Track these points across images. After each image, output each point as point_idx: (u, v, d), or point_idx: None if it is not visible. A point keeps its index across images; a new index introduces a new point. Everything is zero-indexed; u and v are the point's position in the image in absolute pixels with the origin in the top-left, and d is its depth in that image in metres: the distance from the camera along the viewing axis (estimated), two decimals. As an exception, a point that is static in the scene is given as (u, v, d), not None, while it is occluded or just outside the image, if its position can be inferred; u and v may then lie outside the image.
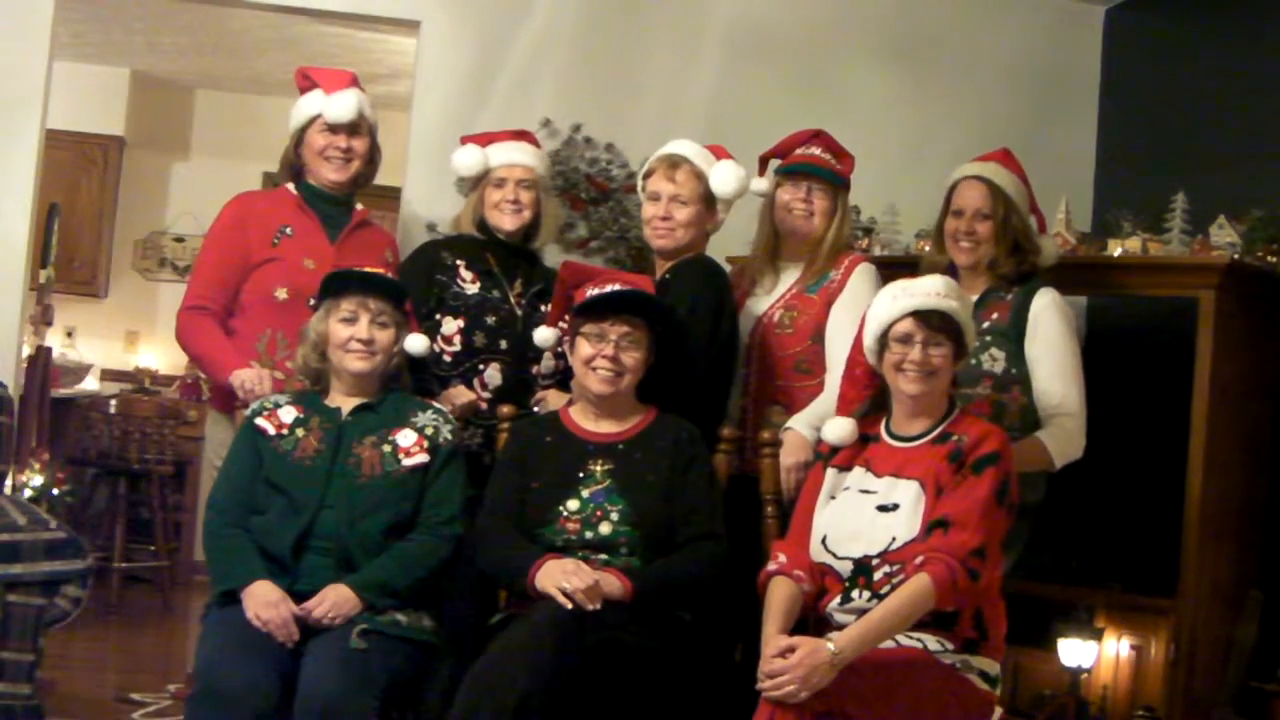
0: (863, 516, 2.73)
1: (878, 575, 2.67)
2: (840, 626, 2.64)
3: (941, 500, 2.66)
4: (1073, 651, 3.59)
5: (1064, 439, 3.20)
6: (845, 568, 2.72)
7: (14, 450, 4.06)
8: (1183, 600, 3.52)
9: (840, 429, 2.88)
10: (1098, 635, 3.63)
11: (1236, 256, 3.60)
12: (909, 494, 2.71)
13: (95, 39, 6.63)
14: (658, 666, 2.72)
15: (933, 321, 2.75)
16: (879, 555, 2.68)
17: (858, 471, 2.82)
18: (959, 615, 2.66)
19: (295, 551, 2.90)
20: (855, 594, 2.69)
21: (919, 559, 2.58)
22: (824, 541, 2.77)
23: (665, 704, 2.69)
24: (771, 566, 2.81)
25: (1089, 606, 3.67)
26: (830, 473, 2.86)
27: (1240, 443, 3.65)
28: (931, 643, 2.65)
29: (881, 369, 2.82)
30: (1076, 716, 3.57)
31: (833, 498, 2.83)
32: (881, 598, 2.62)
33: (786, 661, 2.45)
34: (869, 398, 2.89)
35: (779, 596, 2.74)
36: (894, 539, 2.67)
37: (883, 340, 2.80)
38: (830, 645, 2.46)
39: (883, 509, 2.71)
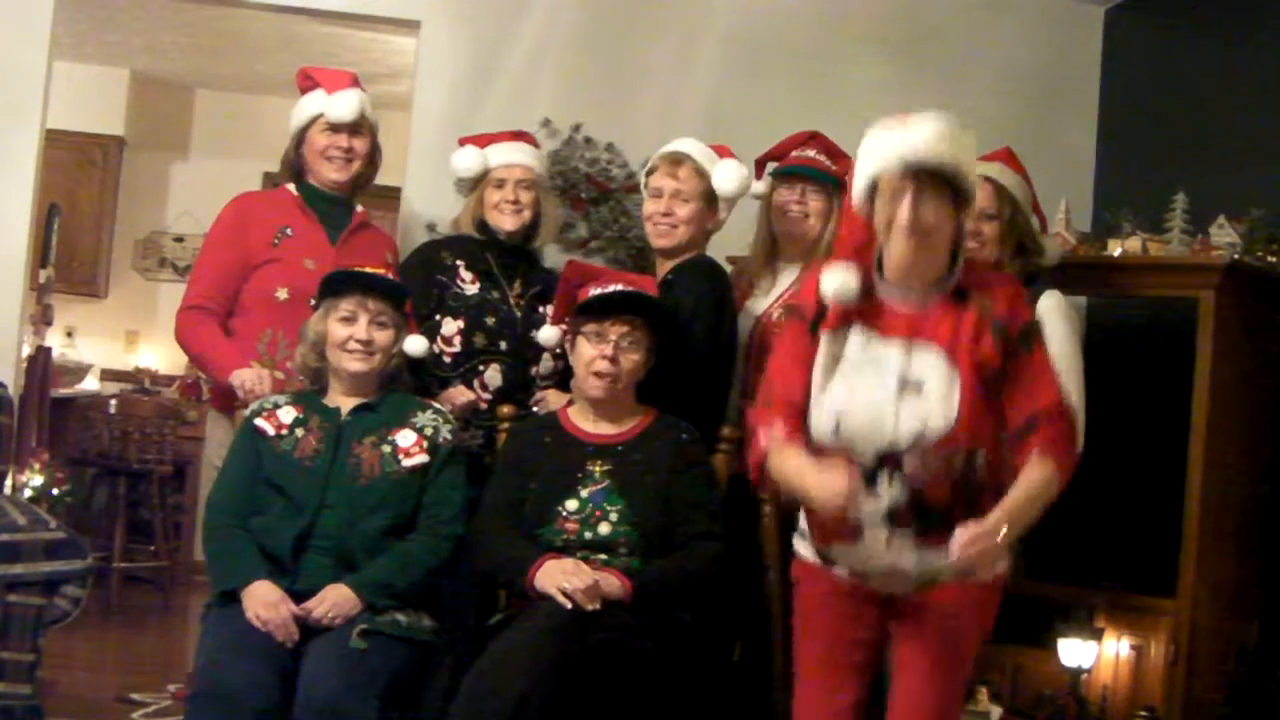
0: (883, 399, 2.39)
1: (909, 464, 2.38)
2: (861, 520, 2.41)
3: (1015, 393, 2.40)
4: (1073, 651, 3.59)
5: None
6: (866, 456, 2.40)
7: (14, 450, 4.06)
8: (1183, 600, 3.52)
9: (840, 279, 2.49)
10: (1098, 635, 3.63)
11: (1236, 256, 3.59)
12: (935, 369, 2.39)
13: (95, 39, 6.63)
14: (658, 666, 2.72)
15: (922, 175, 2.41)
16: (910, 447, 2.37)
17: (858, 334, 2.46)
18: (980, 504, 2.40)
19: (295, 551, 2.90)
20: (881, 483, 2.40)
21: (1032, 449, 2.38)
22: (837, 429, 2.41)
23: (665, 704, 2.69)
24: (768, 440, 2.47)
25: (1089, 606, 3.67)
26: (824, 339, 2.48)
27: (1240, 443, 3.65)
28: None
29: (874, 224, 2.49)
30: (1076, 716, 3.57)
31: (827, 369, 2.47)
32: (914, 489, 2.37)
33: (977, 533, 2.25)
34: (871, 253, 2.53)
35: (799, 457, 2.40)
36: (926, 430, 2.37)
37: (872, 193, 2.47)
38: (1004, 528, 2.28)
39: (905, 385, 2.39)
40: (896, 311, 2.46)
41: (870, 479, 2.39)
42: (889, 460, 2.38)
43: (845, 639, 2.60)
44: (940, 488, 2.39)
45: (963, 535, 2.27)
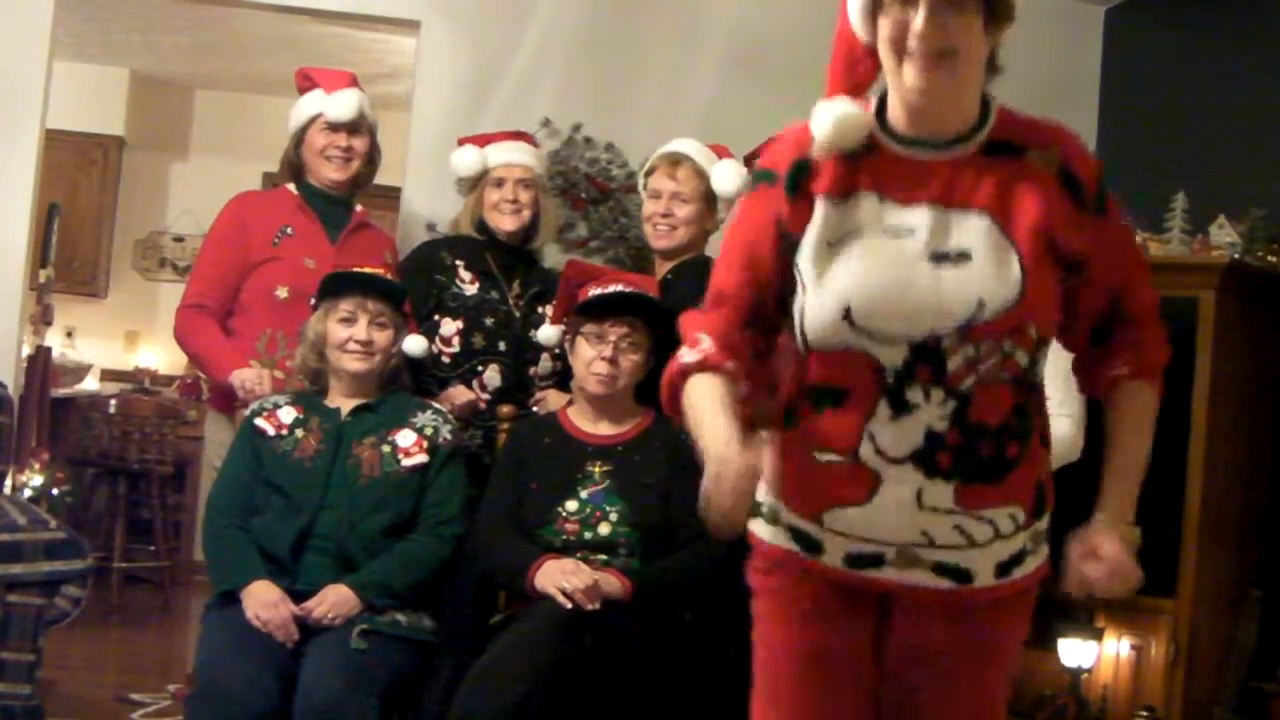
0: (913, 272, 1.74)
1: (954, 362, 1.74)
2: (883, 453, 1.77)
3: (1094, 267, 1.81)
4: (1073, 651, 3.59)
5: (1063, 440, 3.19)
6: (893, 355, 1.75)
7: (14, 450, 4.06)
8: (1183, 600, 3.53)
9: (837, 114, 1.82)
10: (1098, 635, 3.63)
11: (1236, 256, 3.60)
12: (979, 238, 1.75)
13: (95, 39, 6.63)
14: (657, 666, 2.72)
15: None
16: (959, 329, 1.73)
17: (869, 202, 1.79)
18: (1025, 461, 1.87)
19: (295, 551, 2.90)
20: (915, 395, 1.74)
21: (1120, 369, 1.88)
22: (848, 315, 1.74)
23: (664, 703, 2.69)
24: (688, 357, 1.84)
25: (1089, 607, 3.67)
26: (822, 207, 1.79)
27: (1240, 443, 3.65)
28: (1004, 521, 1.87)
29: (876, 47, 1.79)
30: (1076, 716, 3.57)
31: (830, 244, 1.78)
32: (960, 395, 1.74)
33: (1103, 564, 1.83)
34: (871, 89, 1.87)
35: (712, 398, 1.77)
36: (981, 303, 1.72)
37: (874, 4, 1.78)
38: (1121, 527, 1.83)
39: (942, 259, 1.74)
40: (915, 171, 1.78)
41: (896, 390, 1.75)
42: (927, 355, 1.74)
43: (839, 649, 1.91)
44: (997, 398, 1.77)
45: (1097, 568, 1.86)
